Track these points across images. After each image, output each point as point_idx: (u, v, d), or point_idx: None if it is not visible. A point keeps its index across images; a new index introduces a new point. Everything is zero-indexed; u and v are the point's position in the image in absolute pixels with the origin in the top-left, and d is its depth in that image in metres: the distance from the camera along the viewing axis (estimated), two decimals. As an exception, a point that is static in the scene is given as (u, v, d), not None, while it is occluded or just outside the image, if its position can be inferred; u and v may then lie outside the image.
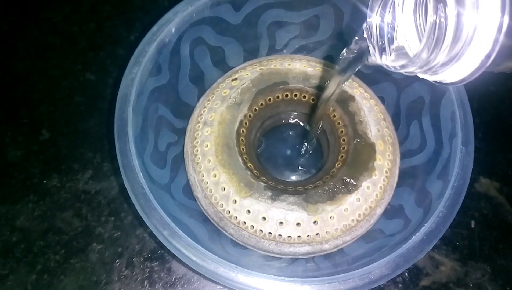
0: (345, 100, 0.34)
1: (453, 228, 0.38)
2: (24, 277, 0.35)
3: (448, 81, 0.17)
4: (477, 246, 0.37)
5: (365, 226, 0.31)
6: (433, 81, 0.18)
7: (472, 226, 0.38)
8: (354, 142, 0.33)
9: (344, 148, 0.33)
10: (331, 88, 0.28)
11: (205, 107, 0.34)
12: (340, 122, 0.34)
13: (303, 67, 0.36)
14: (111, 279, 0.35)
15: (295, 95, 0.36)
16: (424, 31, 0.17)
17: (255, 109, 0.35)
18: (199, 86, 0.37)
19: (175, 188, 0.32)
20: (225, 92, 0.35)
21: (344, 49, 0.24)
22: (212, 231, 0.32)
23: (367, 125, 0.33)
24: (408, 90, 0.34)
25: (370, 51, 0.20)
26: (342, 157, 0.33)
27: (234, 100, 0.34)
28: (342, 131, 0.34)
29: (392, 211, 0.32)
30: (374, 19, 0.19)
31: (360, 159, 0.32)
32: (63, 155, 0.40)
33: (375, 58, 0.20)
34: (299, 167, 0.38)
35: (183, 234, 0.26)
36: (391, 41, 0.19)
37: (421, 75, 0.18)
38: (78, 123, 0.41)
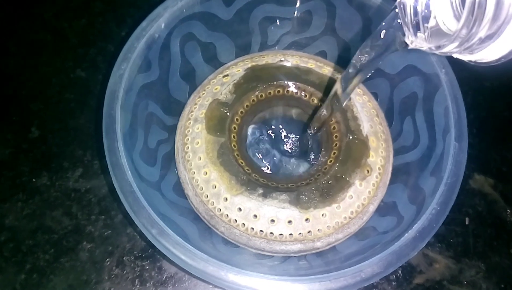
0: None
1: (447, 225, 0.37)
2: (13, 277, 0.34)
3: (486, 60, 0.17)
4: (471, 243, 0.37)
5: (358, 224, 0.31)
6: (469, 61, 0.18)
7: (466, 223, 0.38)
8: (347, 138, 0.32)
9: (336, 144, 0.33)
10: (349, 87, 0.26)
11: (196, 104, 0.34)
12: (332, 118, 0.34)
13: (295, 63, 0.35)
14: (101, 278, 0.34)
15: (287, 91, 0.35)
16: (461, 9, 0.16)
17: (247, 105, 0.34)
18: (190, 83, 0.36)
19: (166, 186, 0.32)
20: (216, 89, 0.34)
21: (368, 39, 0.23)
22: (203, 229, 0.31)
23: (359, 121, 0.33)
24: (402, 85, 0.34)
25: (404, 31, 0.20)
26: (334, 153, 0.32)
27: (225, 96, 0.34)
28: (334, 128, 0.33)
29: (385, 208, 0.32)
30: None
31: (352, 155, 0.32)
32: (53, 153, 0.39)
33: (409, 38, 0.20)
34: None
35: (172, 232, 0.25)
36: (425, 19, 0.19)
37: (456, 55, 0.18)
38: (68, 120, 0.41)
